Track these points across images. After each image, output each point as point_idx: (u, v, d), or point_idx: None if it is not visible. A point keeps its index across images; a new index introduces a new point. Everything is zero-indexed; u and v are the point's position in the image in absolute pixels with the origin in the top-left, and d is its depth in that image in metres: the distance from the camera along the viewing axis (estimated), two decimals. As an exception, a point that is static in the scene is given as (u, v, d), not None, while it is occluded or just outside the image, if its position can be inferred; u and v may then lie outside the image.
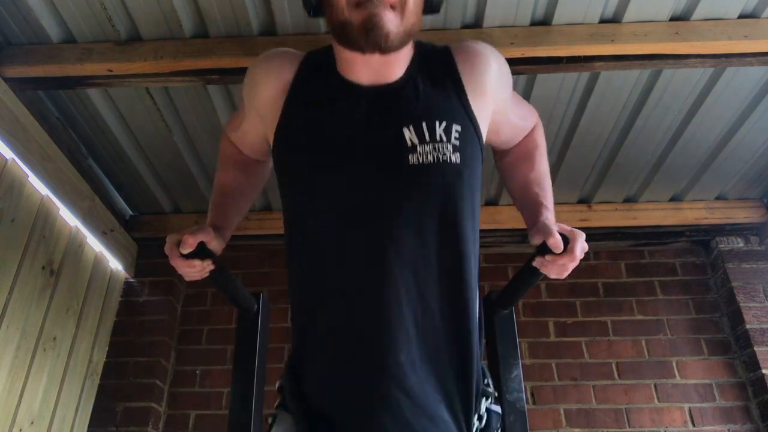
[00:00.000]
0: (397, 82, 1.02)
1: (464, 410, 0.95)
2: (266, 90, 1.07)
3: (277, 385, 1.08)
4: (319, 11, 1.04)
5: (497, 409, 1.05)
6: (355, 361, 0.94)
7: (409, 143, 0.96)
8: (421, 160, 0.95)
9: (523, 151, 1.23)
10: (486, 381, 1.05)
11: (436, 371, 0.94)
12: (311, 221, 1.02)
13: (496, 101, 1.09)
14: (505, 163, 1.28)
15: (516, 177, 1.22)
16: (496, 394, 1.06)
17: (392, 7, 0.93)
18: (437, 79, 1.03)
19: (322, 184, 0.99)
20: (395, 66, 1.02)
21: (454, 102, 1.01)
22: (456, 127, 0.98)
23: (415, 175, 0.95)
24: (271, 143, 1.08)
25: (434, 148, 0.95)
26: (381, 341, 0.91)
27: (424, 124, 0.97)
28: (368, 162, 0.97)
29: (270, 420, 1.06)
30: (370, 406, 0.89)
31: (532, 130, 1.25)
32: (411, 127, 0.96)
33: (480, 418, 0.99)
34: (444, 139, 0.96)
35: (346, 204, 0.97)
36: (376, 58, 0.99)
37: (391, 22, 0.93)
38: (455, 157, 0.96)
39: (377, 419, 0.88)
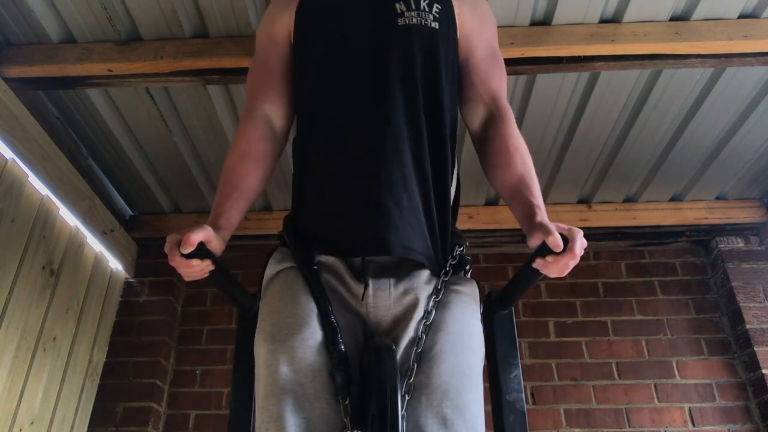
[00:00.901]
0: None
1: (442, 241, 1.13)
2: (283, 6, 1.30)
3: (276, 235, 1.25)
4: None
5: (468, 256, 1.22)
6: (352, 174, 1.10)
7: (398, 10, 1.21)
8: (407, 22, 1.19)
9: (500, 154, 1.20)
10: (459, 235, 1.22)
11: (423, 194, 1.11)
12: (320, 75, 1.21)
13: (470, 15, 1.28)
14: (483, 161, 1.27)
15: (500, 183, 1.21)
16: (467, 243, 1.24)
17: None
18: None
19: (330, 43, 1.21)
20: None
21: None
22: (437, 6, 1.22)
23: (402, 32, 1.19)
24: (293, 30, 1.28)
25: (418, 15, 1.20)
26: (377, 157, 1.09)
27: None
28: (367, 24, 1.21)
29: (269, 254, 1.19)
30: (365, 209, 1.06)
31: (504, 129, 1.22)
32: (401, 1, 1.22)
33: (454, 257, 1.15)
34: (426, 9, 1.21)
35: (348, 58, 1.19)
36: None
37: None
38: (435, 24, 1.20)
39: (370, 220, 1.04)
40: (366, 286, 1.07)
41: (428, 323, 1.04)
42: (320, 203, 1.14)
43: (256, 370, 1.05)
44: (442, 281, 1.11)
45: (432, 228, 1.11)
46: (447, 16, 1.24)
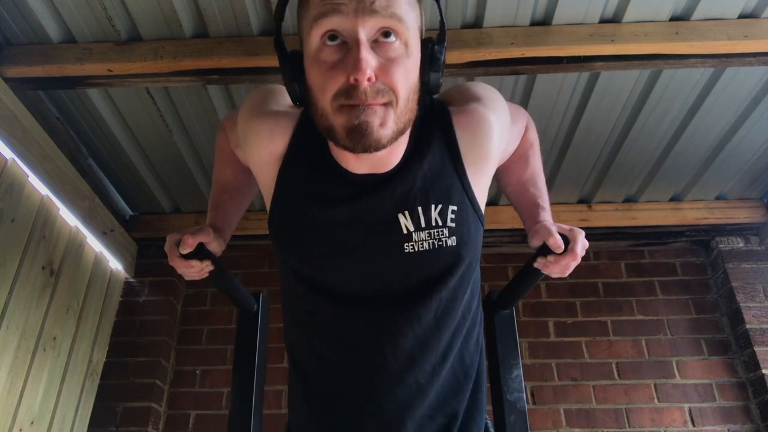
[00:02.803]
0: (393, 170, 0.95)
1: None
2: (258, 156, 1.01)
3: None
4: (305, 103, 0.92)
5: None
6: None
7: (404, 230, 0.94)
8: (416, 248, 0.94)
9: (518, 152, 1.21)
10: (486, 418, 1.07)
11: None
12: (310, 312, 1.02)
13: (500, 153, 1.06)
14: (500, 167, 1.27)
15: (510, 179, 1.20)
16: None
17: (383, 105, 0.83)
18: (436, 154, 0.97)
19: (320, 278, 0.98)
20: (392, 156, 0.94)
21: (452, 179, 0.97)
22: (452, 208, 0.95)
23: (411, 263, 0.94)
24: (267, 213, 1.04)
25: (429, 235, 0.94)
26: (383, 425, 0.94)
27: (419, 209, 0.94)
28: (365, 253, 0.96)
29: None
30: None
31: (525, 131, 1.23)
32: (406, 213, 0.94)
33: None
34: (439, 223, 0.94)
35: (344, 298, 0.97)
36: (368, 155, 0.88)
37: (381, 125, 0.82)
38: (451, 241, 0.94)
39: None
40: None
41: None
42: None
43: None
44: None
45: None
46: (466, 216, 0.97)
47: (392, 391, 0.95)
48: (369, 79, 0.80)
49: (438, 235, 0.94)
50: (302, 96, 0.91)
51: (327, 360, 0.99)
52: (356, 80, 0.79)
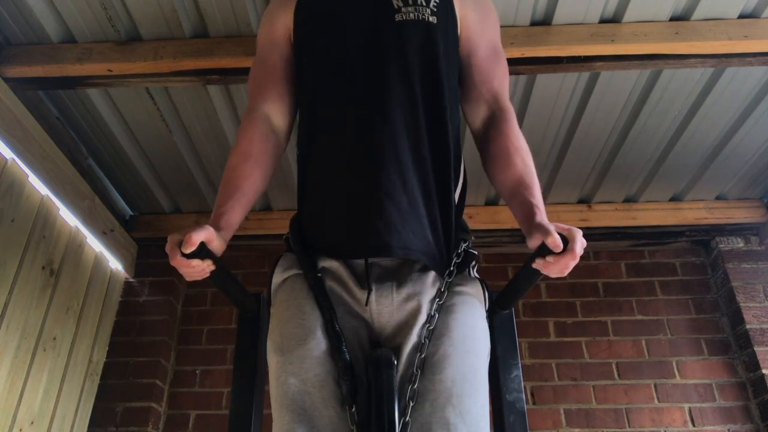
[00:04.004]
0: None
1: (445, 239, 1.12)
2: (281, 19, 1.28)
3: (283, 237, 1.24)
4: None
5: (474, 252, 1.22)
6: (351, 176, 1.10)
7: (395, 6, 1.18)
8: (404, 17, 1.17)
9: (500, 153, 1.20)
10: (464, 229, 1.21)
11: (424, 194, 1.10)
12: (319, 76, 1.20)
13: (470, 10, 1.26)
14: (484, 160, 1.27)
15: (500, 182, 1.21)
16: (473, 238, 1.23)
17: None
18: None
19: (329, 42, 1.19)
20: None
21: None
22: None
23: (400, 28, 1.16)
24: (292, 30, 1.27)
25: (415, 9, 1.17)
26: (376, 159, 1.08)
27: None
28: (363, 21, 1.19)
29: (276, 259, 1.21)
30: (364, 212, 1.06)
31: (504, 124, 1.22)
32: None
33: (458, 255, 1.15)
34: (423, 3, 1.18)
35: (348, 56, 1.17)
36: None
37: None
38: (433, 18, 1.17)
39: (370, 223, 1.04)
40: (369, 291, 1.07)
41: (431, 328, 1.04)
42: (321, 206, 1.14)
43: (269, 379, 1.06)
44: (446, 283, 1.10)
45: (435, 228, 1.11)
46: (446, 11, 1.21)
47: (392, 132, 1.10)
48: None
49: (422, 11, 1.17)
50: None
51: (334, 114, 1.16)
52: None
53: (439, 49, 1.17)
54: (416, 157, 1.11)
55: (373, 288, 1.07)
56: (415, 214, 1.08)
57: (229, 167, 1.24)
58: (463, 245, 1.17)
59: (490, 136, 1.24)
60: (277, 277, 1.17)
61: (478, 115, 1.28)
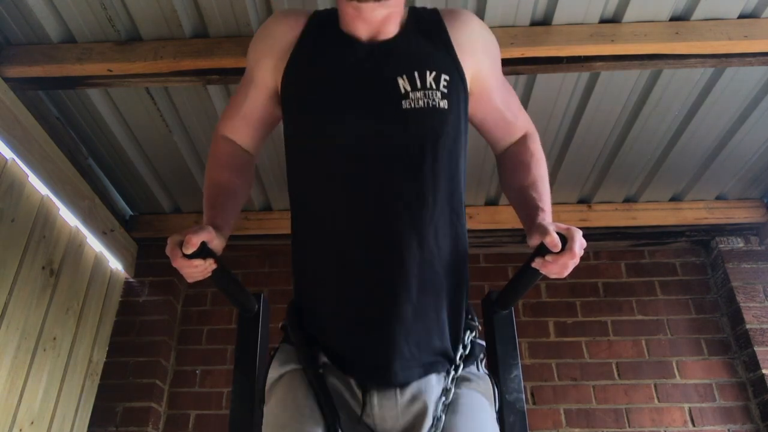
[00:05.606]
0: (392, 39, 1.13)
1: (452, 339, 1.06)
2: (278, 40, 1.17)
3: (280, 325, 1.17)
4: None
5: (482, 342, 1.15)
6: (351, 285, 1.04)
7: (402, 90, 1.06)
8: (413, 105, 1.05)
9: (518, 158, 1.23)
10: (470, 316, 1.14)
11: (433, 296, 1.04)
12: (312, 160, 1.10)
13: (478, 61, 1.17)
14: (502, 171, 1.28)
15: (512, 184, 1.22)
16: (480, 327, 1.16)
17: None
18: (428, 35, 1.14)
19: (327, 132, 1.08)
20: (390, 23, 1.12)
21: (444, 54, 1.12)
22: (444, 77, 1.08)
23: (408, 118, 1.05)
24: (280, 92, 1.17)
25: (425, 95, 1.05)
26: (378, 268, 1.01)
27: (416, 73, 1.07)
28: (366, 109, 1.06)
29: (272, 353, 1.15)
30: (366, 329, 1.00)
31: (526, 140, 1.24)
32: (404, 76, 1.07)
33: (465, 347, 1.09)
34: (434, 86, 1.06)
35: (347, 147, 1.06)
36: (371, 11, 1.08)
37: None
38: (443, 103, 1.06)
39: (371, 344, 0.99)
40: (371, 395, 1.00)
41: None
42: (321, 306, 1.08)
43: None
44: (452, 379, 1.04)
45: (442, 328, 1.05)
46: (456, 87, 1.10)
47: (394, 233, 1.02)
48: None
49: (432, 96, 1.05)
50: None
51: (332, 213, 1.07)
52: None
53: (450, 137, 1.07)
54: (423, 258, 1.03)
55: (375, 395, 1.00)
56: (421, 322, 1.01)
57: (209, 172, 1.26)
58: (470, 335, 1.11)
59: (512, 150, 1.25)
60: (274, 372, 1.10)
61: (500, 145, 1.28)
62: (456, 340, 1.07)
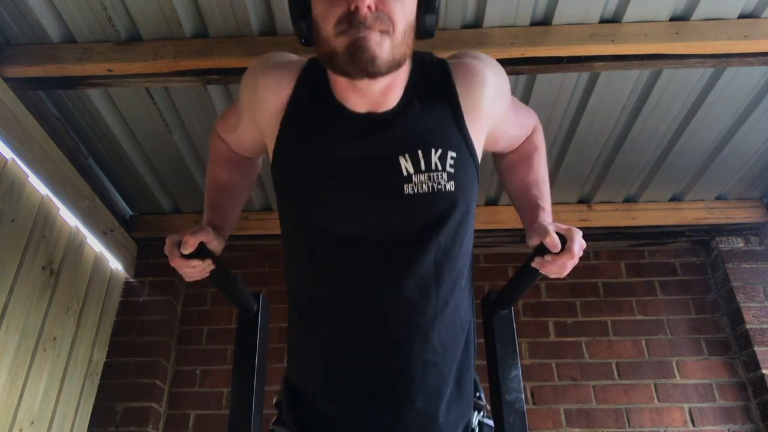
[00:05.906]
0: (393, 110, 0.99)
1: (458, 417, 1.01)
2: (265, 106, 1.05)
3: (274, 401, 1.13)
4: (311, 41, 0.98)
5: (489, 422, 1.10)
6: (353, 385, 0.98)
7: (404, 172, 0.96)
8: (416, 190, 0.95)
9: (522, 153, 1.22)
10: (478, 394, 1.10)
11: (439, 404, 0.98)
12: (310, 251, 1.03)
13: (493, 117, 1.08)
14: (503, 165, 1.27)
15: (514, 179, 1.22)
16: (488, 407, 1.11)
17: (380, 32, 0.89)
18: (435, 101, 1.00)
19: (321, 219, 1.00)
20: (390, 94, 0.98)
21: (451, 127, 1.00)
22: (451, 154, 0.97)
23: (411, 204, 0.96)
24: (270, 160, 1.07)
25: (429, 178, 0.95)
26: (381, 365, 0.96)
27: (419, 153, 0.97)
28: (365, 193, 0.98)
29: None
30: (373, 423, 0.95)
31: (532, 133, 1.24)
32: (407, 156, 0.96)
33: (473, 430, 1.05)
34: (439, 167, 0.96)
35: (344, 234, 0.99)
36: (367, 85, 0.94)
37: (378, 45, 0.88)
38: (450, 186, 0.96)
39: None
40: None
41: None
42: (317, 400, 1.03)
43: None
44: None
45: (448, 427, 1.00)
46: (465, 163, 1.00)
47: (393, 332, 0.96)
48: (369, 7, 0.87)
49: (437, 179, 0.95)
50: (308, 33, 0.97)
51: (328, 303, 1.01)
52: (356, 7, 0.87)
53: (455, 225, 0.99)
54: (426, 359, 0.97)
55: None
56: (428, 411, 0.97)
57: (211, 172, 1.25)
58: (477, 416, 1.07)
59: (518, 151, 1.24)
60: None
61: (508, 149, 1.25)
62: (465, 428, 1.03)
